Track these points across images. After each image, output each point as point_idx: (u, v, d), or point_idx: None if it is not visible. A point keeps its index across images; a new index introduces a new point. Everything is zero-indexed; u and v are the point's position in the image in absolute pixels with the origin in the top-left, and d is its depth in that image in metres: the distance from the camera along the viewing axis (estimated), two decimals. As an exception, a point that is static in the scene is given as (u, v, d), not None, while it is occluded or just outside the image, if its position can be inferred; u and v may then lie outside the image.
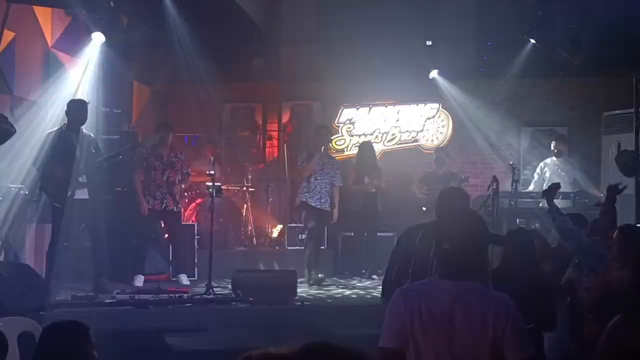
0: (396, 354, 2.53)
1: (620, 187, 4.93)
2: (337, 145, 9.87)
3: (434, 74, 9.95)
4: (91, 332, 2.96)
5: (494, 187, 7.29)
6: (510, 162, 8.29)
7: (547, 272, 4.40)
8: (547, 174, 8.51)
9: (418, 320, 2.52)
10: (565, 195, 7.91)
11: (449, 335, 2.50)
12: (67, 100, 6.98)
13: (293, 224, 8.83)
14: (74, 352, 2.86)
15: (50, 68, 7.65)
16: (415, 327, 2.52)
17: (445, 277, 2.62)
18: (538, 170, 8.74)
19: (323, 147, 7.84)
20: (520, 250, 4.09)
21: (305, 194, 7.75)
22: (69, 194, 6.47)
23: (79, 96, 7.51)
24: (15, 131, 6.27)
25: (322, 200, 7.77)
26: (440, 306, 2.53)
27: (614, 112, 9.15)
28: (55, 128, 6.95)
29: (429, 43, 9.94)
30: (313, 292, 7.24)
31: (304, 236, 8.23)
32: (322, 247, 8.26)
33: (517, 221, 7.63)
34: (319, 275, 7.62)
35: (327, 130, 8.28)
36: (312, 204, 7.74)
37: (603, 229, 4.55)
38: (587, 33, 8.43)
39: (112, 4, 7.56)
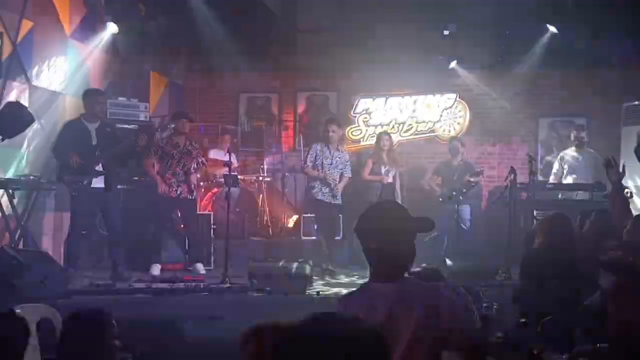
0: None
1: (620, 168, 4.91)
2: (353, 135, 9.84)
3: (453, 64, 9.88)
4: (114, 321, 2.98)
5: (512, 178, 7.23)
6: (528, 153, 8.21)
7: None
8: (566, 166, 8.42)
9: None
10: (584, 187, 7.84)
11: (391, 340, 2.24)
12: (84, 90, 7.04)
13: (309, 214, 8.83)
14: (97, 341, 2.88)
15: (68, 57, 7.70)
16: None
17: (380, 278, 2.45)
18: (557, 161, 8.64)
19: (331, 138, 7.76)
20: (559, 234, 4.17)
21: (316, 189, 7.72)
22: (85, 183, 6.53)
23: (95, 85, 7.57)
24: (33, 120, 6.34)
25: (333, 193, 7.74)
26: (380, 314, 2.35)
27: (634, 102, 9.02)
28: (73, 117, 7.01)
29: (446, 32, 9.85)
30: (331, 281, 7.25)
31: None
32: (337, 238, 8.22)
33: (535, 213, 7.56)
34: (329, 268, 7.59)
35: (335, 122, 8.00)
36: (321, 198, 7.71)
37: (616, 219, 4.52)
38: (608, 22, 8.32)
39: (129, -7, 7.59)
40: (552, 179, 8.50)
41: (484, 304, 3.84)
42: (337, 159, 7.84)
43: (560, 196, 8.11)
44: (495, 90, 10.19)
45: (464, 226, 8.25)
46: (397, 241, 2.45)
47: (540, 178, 8.88)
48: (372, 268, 2.50)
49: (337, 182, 7.76)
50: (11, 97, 6.52)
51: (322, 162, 7.72)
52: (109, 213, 6.84)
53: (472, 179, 8.16)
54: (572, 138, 8.66)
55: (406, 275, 2.50)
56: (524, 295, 4.44)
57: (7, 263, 5.53)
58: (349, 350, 1.37)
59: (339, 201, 7.83)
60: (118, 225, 6.91)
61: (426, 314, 2.33)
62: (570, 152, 8.61)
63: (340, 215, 8.23)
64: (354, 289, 2.64)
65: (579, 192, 7.87)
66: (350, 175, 7.97)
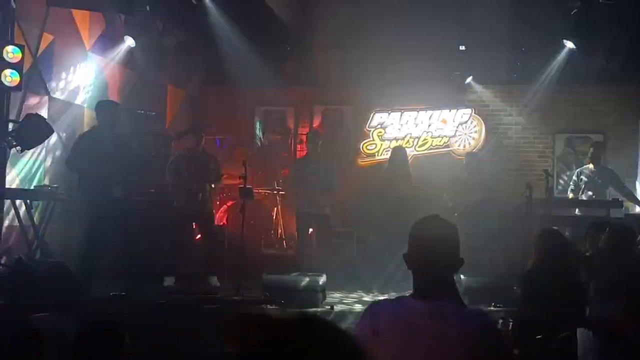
0: None
1: None
2: (368, 149, 9.85)
3: (469, 79, 9.90)
4: (126, 333, 3.00)
5: (528, 194, 7.20)
6: (544, 169, 8.18)
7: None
8: (583, 182, 8.37)
9: (385, 344, 2.24)
10: (600, 204, 7.78)
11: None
12: (97, 101, 7.10)
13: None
14: (110, 353, 2.90)
15: (87, 70, 7.80)
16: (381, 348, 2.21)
17: (419, 295, 2.35)
18: (574, 177, 8.60)
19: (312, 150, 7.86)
20: (551, 252, 4.10)
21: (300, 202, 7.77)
22: (104, 194, 6.55)
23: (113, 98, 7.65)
24: (53, 132, 6.42)
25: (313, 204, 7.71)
26: (410, 330, 2.25)
27: (651, 119, 8.99)
28: (88, 129, 7.07)
29: (462, 48, 9.87)
30: (342, 296, 7.23)
31: (335, 240, 8.23)
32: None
33: (551, 229, 7.50)
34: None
35: (314, 133, 8.24)
36: (306, 211, 7.72)
37: None
38: (625, 39, 8.29)
39: (148, 8, 7.68)
40: (570, 196, 8.44)
41: (500, 320, 3.82)
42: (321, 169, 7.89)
43: (577, 212, 8.05)
44: (511, 106, 10.17)
45: (478, 241, 8.20)
46: (444, 263, 2.34)
47: (556, 194, 8.84)
48: (415, 283, 2.42)
49: None
50: (31, 109, 6.61)
51: None
52: (125, 224, 6.84)
53: (487, 195, 8.13)
54: (589, 154, 8.62)
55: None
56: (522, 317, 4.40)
57: (24, 273, 5.58)
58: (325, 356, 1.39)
59: (325, 212, 7.86)
60: (134, 236, 6.92)
61: (460, 341, 2.19)
62: (587, 168, 8.56)
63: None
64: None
65: (595, 209, 7.81)
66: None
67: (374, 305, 2.49)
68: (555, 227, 5.15)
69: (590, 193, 8.23)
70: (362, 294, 7.49)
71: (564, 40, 8.62)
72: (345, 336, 1.45)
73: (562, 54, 8.99)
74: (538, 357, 3.75)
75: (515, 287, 6.78)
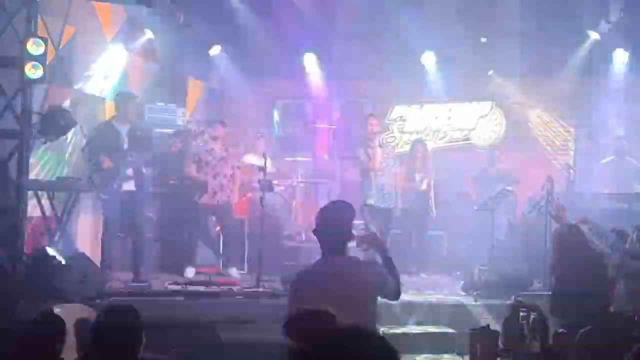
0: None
1: None
2: (387, 142, 9.81)
3: (490, 72, 9.81)
4: (141, 316, 3.03)
5: (548, 187, 7.12)
6: (566, 162, 8.09)
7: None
8: (607, 175, 8.27)
9: (309, 295, 3.19)
10: (624, 197, 7.68)
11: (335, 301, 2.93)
12: (116, 92, 7.14)
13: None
14: (128, 342, 2.93)
15: (108, 62, 7.84)
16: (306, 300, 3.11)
17: (323, 255, 3.38)
18: (597, 170, 8.50)
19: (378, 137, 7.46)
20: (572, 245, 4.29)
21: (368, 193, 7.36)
22: (115, 186, 6.58)
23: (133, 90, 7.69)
24: (76, 124, 6.47)
25: (386, 198, 7.46)
26: (319, 280, 3.29)
27: (676, 111, 8.84)
28: (104, 120, 7.11)
29: (483, 40, 9.78)
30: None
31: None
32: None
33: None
34: None
35: (375, 118, 7.77)
36: (375, 205, 7.38)
37: None
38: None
39: (168, 0, 7.70)
40: (593, 189, 8.35)
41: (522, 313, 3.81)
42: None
43: (600, 205, 7.95)
44: (532, 98, 10.07)
45: (499, 235, 8.15)
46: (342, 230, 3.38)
47: (578, 188, 8.74)
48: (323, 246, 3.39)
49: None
50: (54, 101, 6.66)
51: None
52: (135, 215, 6.86)
53: (507, 188, 8.07)
54: (611, 147, 8.50)
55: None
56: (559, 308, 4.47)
57: (48, 263, 5.65)
58: None
59: (391, 206, 7.57)
60: (144, 228, 6.94)
61: (351, 279, 3.28)
62: (610, 161, 8.45)
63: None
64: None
65: (616, 202, 7.71)
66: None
67: (295, 276, 3.50)
68: (574, 223, 5.13)
69: (614, 186, 8.13)
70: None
71: (588, 31, 8.50)
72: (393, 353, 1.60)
73: (585, 45, 8.86)
74: (558, 351, 3.73)
75: (535, 281, 6.80)
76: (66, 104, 6.90)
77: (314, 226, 3.47)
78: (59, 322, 3.38)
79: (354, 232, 3.53)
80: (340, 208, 3.50)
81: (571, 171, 7.70)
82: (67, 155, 7.12)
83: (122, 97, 6.89)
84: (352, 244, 3.40)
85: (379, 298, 3.44)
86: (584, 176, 9.29)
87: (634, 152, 8.80)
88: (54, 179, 6.74)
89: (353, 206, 3.53)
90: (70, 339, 3.59)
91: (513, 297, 6.15)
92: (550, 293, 5.81)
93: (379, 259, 3.60)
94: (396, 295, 3.53)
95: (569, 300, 4.44)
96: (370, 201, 7.11)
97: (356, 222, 3.96)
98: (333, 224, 3.37)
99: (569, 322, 4.23)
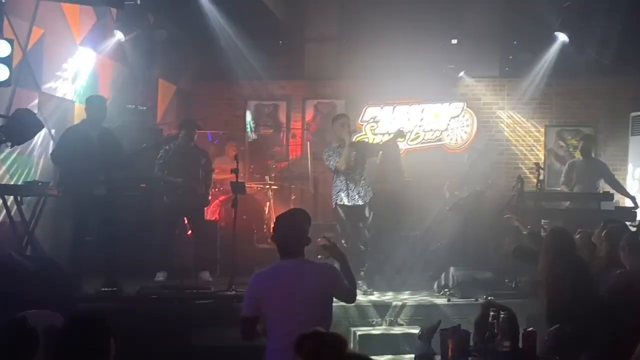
0: (252, 319, 3.64)
1: None
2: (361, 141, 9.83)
3: (462, 73, 9.91)
4: (109, 324, 2.99)
5: (519, 187, 7.21)
6: (535, 162, 8.20)
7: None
8: (575, 175, 8.41)
9: (268, 295, 3.57)
10: (592, 196, 7.81)
11: (291, 301, 3.48)
12: (87, 96, 7.05)
13: (316, 222, 8.80)
14: (95, 345, 2.88)
15: (77, 64, 7.75)
16: (265, 299, 3.57)
17: (282, 258, 3.66)
18: (565, 170, 8.64)
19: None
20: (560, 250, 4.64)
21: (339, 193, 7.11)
22: (86, 190, 6.50)
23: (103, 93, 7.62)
24: (43, 127, 6.37)
25: (356, 196, 7.10)
26: (280, 282, 3.56)
27: (642, 112, 9.03)
28: (76, 123, 7.02)
29: (454, 42, 9.87)
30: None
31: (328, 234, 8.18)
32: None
33: (542, 222, 7.54)
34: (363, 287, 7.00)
35: (347, 118, 7.37)
36: (347, 203, 7.10)
37: None
38: (616, 32, 8.31)
39: (138, 1, 7.63)
40: (560, 188, 8.48)
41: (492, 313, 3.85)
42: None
43: (568, 205, 8.09)
44: (502, 99, 10.20)
45: (470, 235, 8.22)
46: (297, 236, 3.67)
47: (547, 187, 8.87)
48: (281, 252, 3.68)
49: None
50: (21, 103, 6.56)
51: None
52: (106, 219, 6.77)
53: (477, 189, 8.16)
54: (579, 147, 8.64)
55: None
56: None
57: (15, 269, 5.55)
58: None
59: (361, 202, 7.16)
60: (116, 233, 6.87)
61: (310, 281, 3.56)
62: (578, 161, 8.60)
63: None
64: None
65: (586, 202, 7.84)
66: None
67: (254, 277, 3.73)
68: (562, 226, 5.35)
69: (582, 185, 8.27)
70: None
71: (556, 34, 8.62)
72: None
73: (554, 47, 8.99)
74: (527, 349, 3.78)
75: (506, 280, 6.88)
76: (34, 107, 6.80)
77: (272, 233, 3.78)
78: (29, 329, 3.32)
79: (318, 240, 3.88)
80: (295, 215, 3.84)
81: (541, 171, 7.80)
82: (35, 159, 7.01)
83: (92, 101, 6.80)
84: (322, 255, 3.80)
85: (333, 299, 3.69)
86: (553, 175, 9.45)
87: (601, 151, 8.97)
88: (21, 183, 6.63)
89: (308, 212, 3.84)
90: (40, 345, 3.53)
91: (485, 296, 6.25)
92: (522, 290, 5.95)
93: (338, 265, 3.92)
94: (351, 298, 3.81)
95: (567, 306, 4.48)
96: (342, 201, 7.09)
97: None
98: (289, 229, 3.66)
99: (570, 327, 4.31)
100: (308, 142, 10.09)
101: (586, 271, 4.67)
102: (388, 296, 6.80)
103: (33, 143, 6.81)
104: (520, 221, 6.36)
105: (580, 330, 4.25)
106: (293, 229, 3.67)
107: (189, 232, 7.86)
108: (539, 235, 6.04)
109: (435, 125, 9.94)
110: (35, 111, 6.58)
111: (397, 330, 6.11)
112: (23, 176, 6.82)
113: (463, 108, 9.94)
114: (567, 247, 4.77)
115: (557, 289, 4.57)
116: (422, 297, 6.78)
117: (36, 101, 6.96)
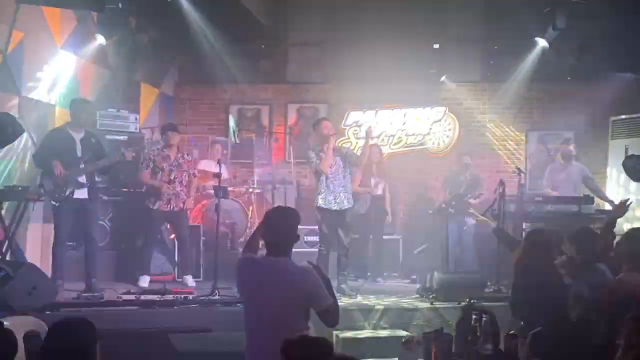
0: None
1: (627, 204, 5.78)
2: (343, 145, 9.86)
3: (443, 78, 9.98)
4: (94, 327, 2.96)
5: (501, 190, 7.27)
6: (517, 166, 8.27)
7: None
8: (555, 178, 8.50)
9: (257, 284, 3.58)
10: (572, 200, 7.89)
11: (265, 298, 3.50)
12: (71, 99, 7.01)
13: (299, 226, 8.79)
14: (80, 348, 2.85)
15: (58, 68, 7.68)
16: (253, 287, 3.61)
17: (268, 255, 3.62)
18: (546, 174, 8.73)
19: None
20: (537, 250, 4.78)
21: (319, 196, 7.08)
22: (67, 193, 6.46)
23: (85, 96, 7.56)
24: (23, 131, 6.31)
25: (338, 200, 7.09)
26: (262, 279, 3.57)
27: (621, 116, 9.13)
28: (57, 126, 6.97)
29: (436, 46, 9.94)
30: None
31: (309, 238, 8.20)
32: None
33: (524, 225, 7.60)
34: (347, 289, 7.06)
35: (328, 122, 7.30)
36: (327, 207, 7.08)
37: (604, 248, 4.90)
38: (595, 37, 8.41)
39: (119, 5, 7.59)
40: (545, 191, 8.55)
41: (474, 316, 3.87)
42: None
43: (549, 208, 8.15)
44: (484, 104, 10.28)
45: (454, 239, 8.28)
46: (285, 234, 3.66)
47: (528, 191, 8.94)
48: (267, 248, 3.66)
49: None
50: (1, 107, 6.49)
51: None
52: (88, 224, 6.74)
53: (470, 200, 8.29)
54: (559, 151, 8.72)
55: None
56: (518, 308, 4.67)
57: (-5, 274, 5.49)
58: None
59: (344, 207, 7.13)
60: (96, 237, 6.83)
61: (290, 281, 3.52)
62: (559, 165, 8.69)
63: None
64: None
65: (565, 205, 7.90)
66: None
67: (241, 260, 3.80)
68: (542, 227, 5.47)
69: (562, 189, 8.35)
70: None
71: (537, 39, 8.70)
72: None
73: (535, 52, 9.07)
74: (509, 352, 3.81)
75: (489, 283, 6.93)
76: (14, 111, 6.73)
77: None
78: (10, 336, 3.28)
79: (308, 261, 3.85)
80: (284, 212, 3.82)
81: (522, 174, 7.87)
82: (16, 163, 6.94)
83: (76, 104, 6.78)
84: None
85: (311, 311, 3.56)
86: (534, 179, 9.53)
87: (581, 156, 9.07)
88: (1, 187, 6.56)
89: (297, 211, 3.87)
90: (20, 352, 3.50)
91: (466, 299, 6.28)
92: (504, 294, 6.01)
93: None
94: (332, 317, 3.60)
95: (531, 301, 4.57)
96: (322, 203, 7.09)
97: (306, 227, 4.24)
98: (277, 226, 3.63)
99: (527, 323, 4.35)
100: (291, 146, 10.09)
101: (553, 266, 4.80)
102: (371, 299, 6.81)
103: (13, 147, 6.73)
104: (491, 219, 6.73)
105: (556, 331, 4.29)
106: (282, 226, 3.65)
107: (172, 236, 7.83)
108: (504, 231, 6.53)
109: (417, 130, 10.00)
110: (16, 115, 6.52)
111: (380, 333, 6.12)
112: (2, 180, 6.74)
113: (445, 112, 10.01)
114: (542, 243, 4.88)
115: (523, 276, 4.78)
116: (405, 300, 6.80)
117: (16, 105, 6.90)
